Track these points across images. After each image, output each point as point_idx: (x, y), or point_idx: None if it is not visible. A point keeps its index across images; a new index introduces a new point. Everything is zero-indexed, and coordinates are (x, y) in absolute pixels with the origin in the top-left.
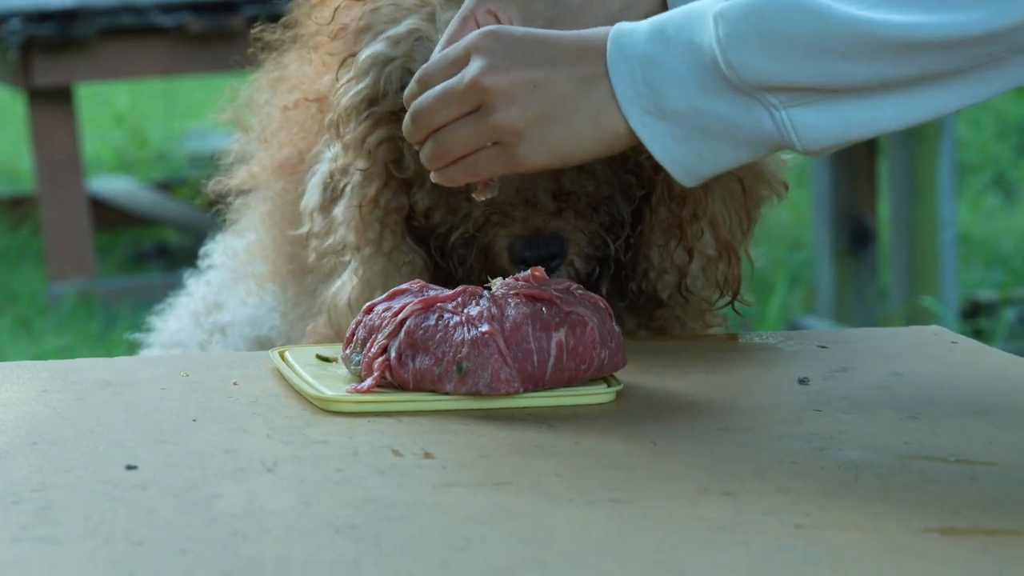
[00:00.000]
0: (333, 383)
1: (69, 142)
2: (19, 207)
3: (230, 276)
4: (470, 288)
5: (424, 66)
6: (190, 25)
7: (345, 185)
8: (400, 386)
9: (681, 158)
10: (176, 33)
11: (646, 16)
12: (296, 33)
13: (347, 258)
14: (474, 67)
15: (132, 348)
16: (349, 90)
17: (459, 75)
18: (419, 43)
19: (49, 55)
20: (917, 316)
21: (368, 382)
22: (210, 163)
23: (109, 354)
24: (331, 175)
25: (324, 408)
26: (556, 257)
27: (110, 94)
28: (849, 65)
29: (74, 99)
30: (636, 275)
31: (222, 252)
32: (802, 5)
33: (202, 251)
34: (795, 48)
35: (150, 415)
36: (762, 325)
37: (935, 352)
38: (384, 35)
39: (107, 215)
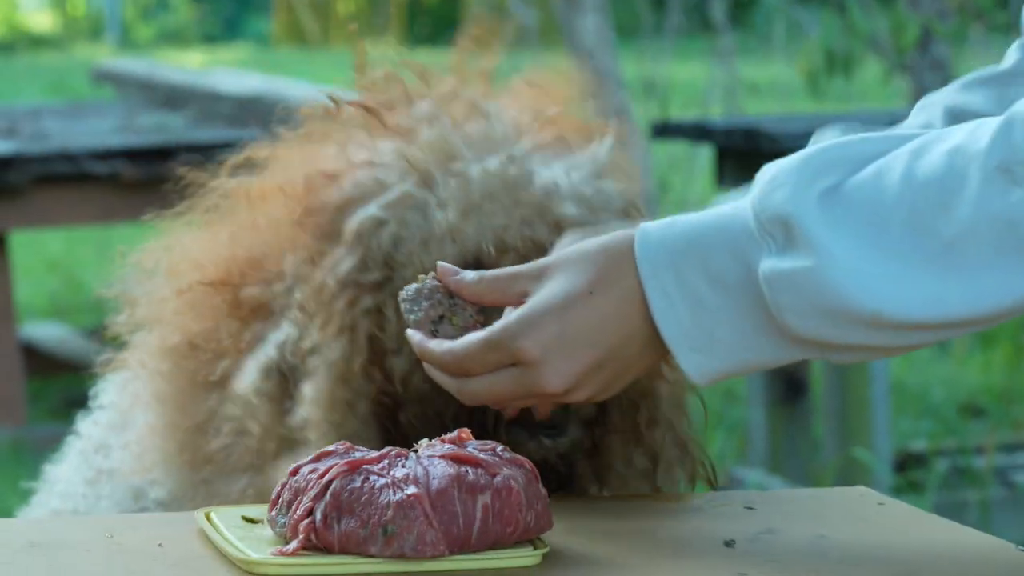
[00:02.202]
0: (258, 545)
1: (2, 288)
2: None
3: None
4: (396, 449)
5: (457, 349)
6: (124, 173)
7: (315, 365)
8: (326, 548)
9: (711, 372)
10: (110, 181)
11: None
12: (192, 209)
13: (311, 436)
14: (538, 380)
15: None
16: (336, 265)
17: (518, 380)
18: (412, 211)
19: None
20: (850, 467)
21: (294, 544)
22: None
23: None
24: (283, 357)
25: (249, 571)
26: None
27: (44, 239)
28: (915, 336)
29: (8, 246)
30: (600, 481)
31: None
32: (850, 291)
33: (92, 391)
34: (856, 324)
35: None
36: None
37: (862, 514)
38: (375, 201)
39: (39, 361)
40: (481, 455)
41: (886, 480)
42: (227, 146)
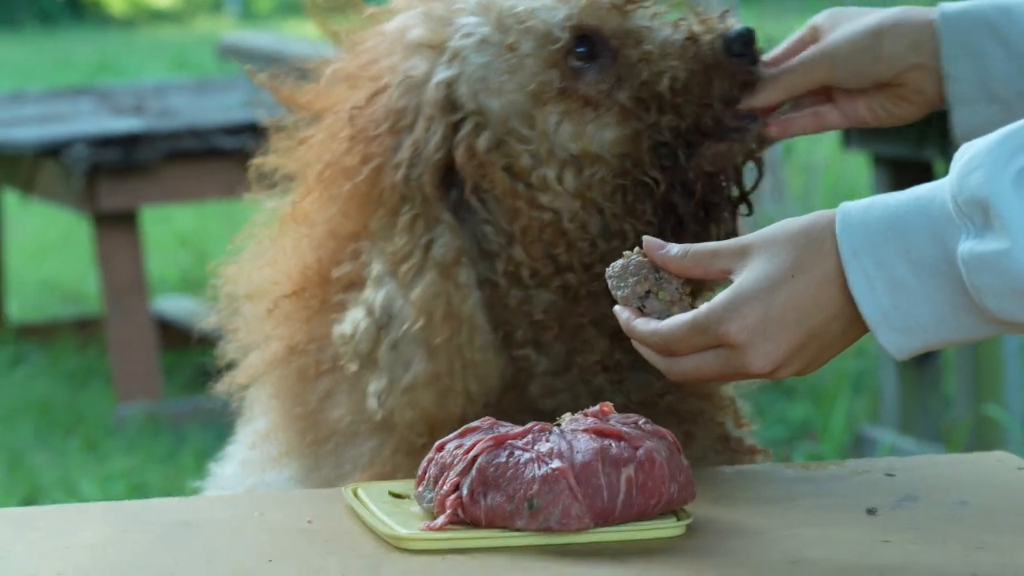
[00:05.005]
0: (406, 520)
1: (134, 264)
2: (85, 329)
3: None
4: (540, 424)
5: (664, 331)
6: (252, 147)
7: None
8: (473, 523)
9: (910, 350)
10: (238, 155)
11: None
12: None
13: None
14: (744, 362)
15: (199, 473)
16: (424, 145)
17: (725, 361)
18: (473, 51)
19: (114, 180)
20: (982, 425)
21: (441, 519)
22: None
23: (177, 475)
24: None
25: (398, 546)
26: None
27: (173, 215)
28: None
29: (138, 222)
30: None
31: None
32: None
33: (247, 402)
34: None
35: (227, 556)
36: (826, 435)
37: (1001, 479)
38: (432, 72)
39: (173, 335)
40: (624, 428)
41: (1019, 437)
42: None
